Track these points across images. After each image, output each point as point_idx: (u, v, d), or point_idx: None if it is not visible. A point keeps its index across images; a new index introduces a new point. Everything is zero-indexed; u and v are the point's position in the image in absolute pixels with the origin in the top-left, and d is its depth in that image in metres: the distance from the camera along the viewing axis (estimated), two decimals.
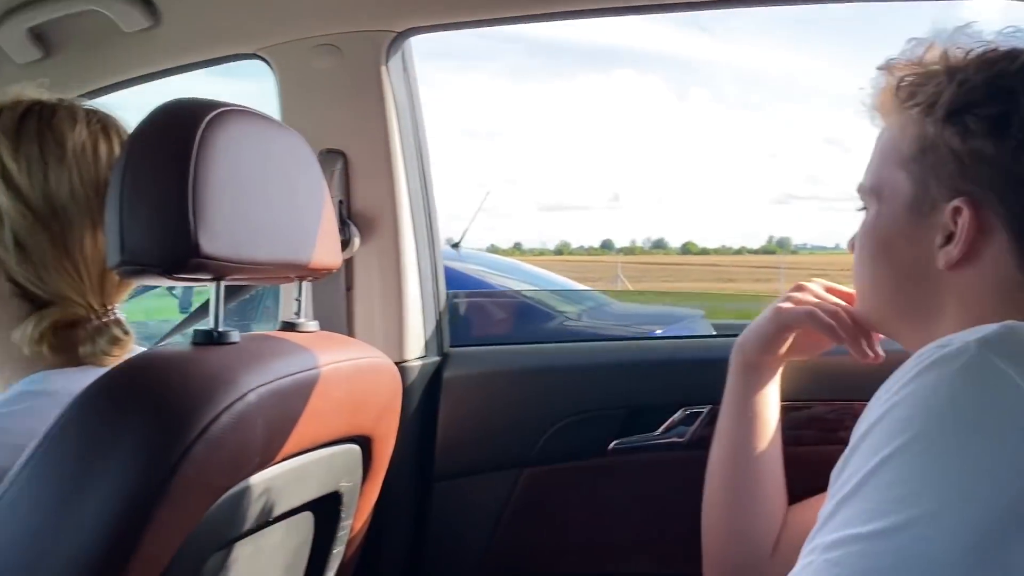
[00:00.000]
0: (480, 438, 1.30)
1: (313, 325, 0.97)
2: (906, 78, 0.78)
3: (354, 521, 1.04)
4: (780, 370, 1.00)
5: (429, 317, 1.33)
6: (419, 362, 1.29)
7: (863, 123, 0.86)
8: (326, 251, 0.91)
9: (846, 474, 0.57)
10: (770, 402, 1.00)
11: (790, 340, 0.96)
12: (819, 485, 0.98)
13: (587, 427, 1.25)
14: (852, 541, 0.52)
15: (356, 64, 1.24)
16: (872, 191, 0.82)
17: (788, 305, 0.95)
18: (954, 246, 0.73)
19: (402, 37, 1.24)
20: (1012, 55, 0.74)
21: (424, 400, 1.29)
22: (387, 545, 1.26)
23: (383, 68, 1.23)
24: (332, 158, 1.24)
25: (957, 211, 0.73)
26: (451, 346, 1.38)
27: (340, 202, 1.24)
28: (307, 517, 0.97)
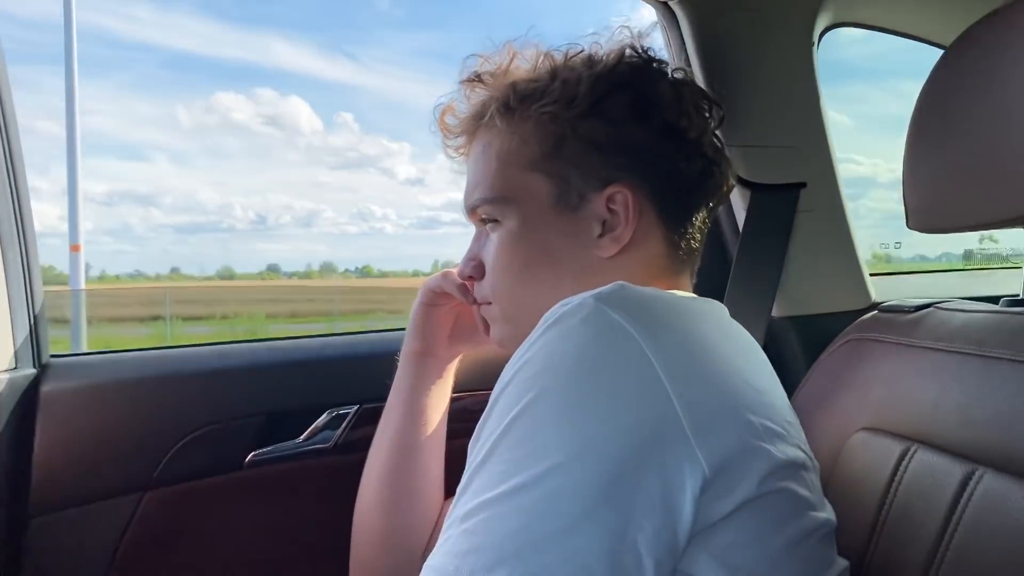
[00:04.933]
0: (90, 462, 1.10)
1: None
2: (520, 84, 0.79)
3: None
4: (453, 363, 0.99)
5: (20, 322, 1.10)
6: (7, 375, 1.06)
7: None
8: None
9: (480, 442, 0.56)
10: (440, 395, 0.98)
11: (448, 321, 0.97)
12: None
13: (220, 439, 1.13)
14: (485, 506, 0.52)
15: None
16: (503, 200, 0.78)
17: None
18: (621, 231, 0.75)
19: None
20: (613, 53, 0.80)
21: (15, 420, 1.06)
22: None
23: None
24: None
25: (612, 198, 0.74)
26: (52, 356, 1.16)
27: None
28: None
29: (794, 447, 0.60)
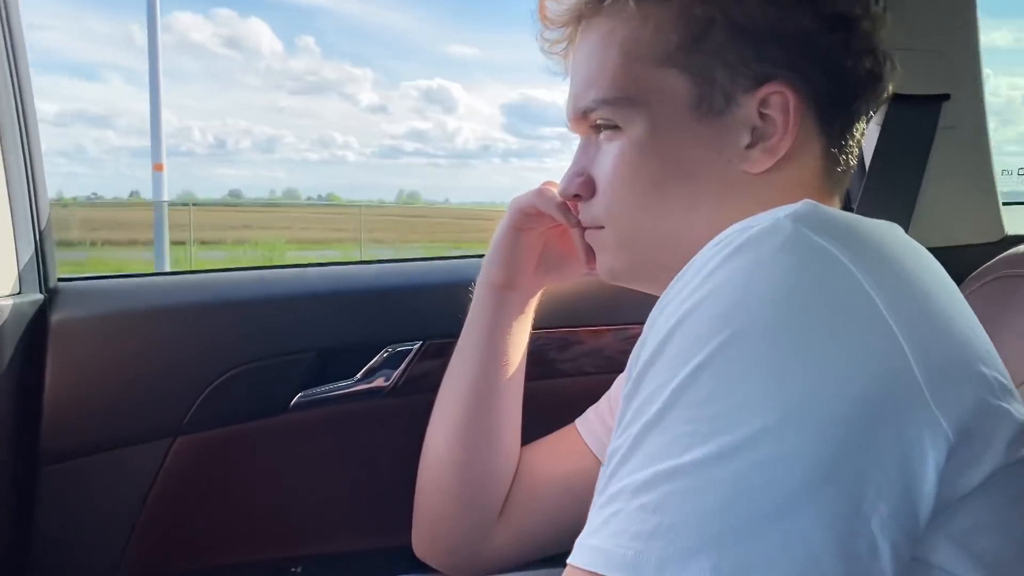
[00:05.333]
0: (109, 402, 0.96)
1: None
2: None
3: None
4: (535, 299, 0.88)
5: (24, 242, 0.94)
6: (10, 300, 0.90)
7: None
8: None
9: (643, 396, 0.46)
10: (521, 334, 0.87)
11: (538, 248, 0.85)
12: (550, 422, 0.87)
13: (262, 379, 0.99)
14: (670, 476, 0.42)
15: None
16: (628, 102, 0.65)
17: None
18: (777, 141, 0.63)
19: None
20: None
21: (22, 353, 0.91)
22: None
23: None
24: None
25: (767, 100, 0.63)
26: (60, 280, 1.00)
27: None
28: None
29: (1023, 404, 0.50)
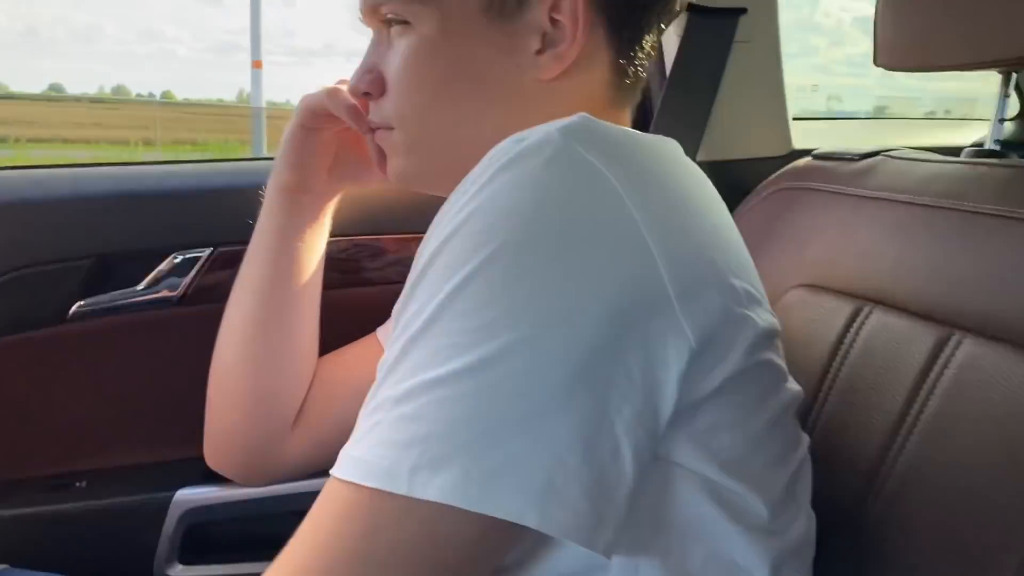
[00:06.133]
0: None
1: None
2: None
3: None
4: (332, 202, 0.85)
5: None
6: None
7: None
8: None
9: (413, 308, 0.46)
10: (316, 239, 0.84)
11: (330, 150, 0.83)
12: (352, 331, 0.85)
13: (36, 286, 0.94)
14: (429, 387, 0.43)
15: None
16: None
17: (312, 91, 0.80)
18: (566, 47, 0.62)
19: None
20: None
21: None
22: None
23: None
24: None
25: (557, 5, 0.61)
26: None
27: None
28: None
29: (768, 312, 0.54)
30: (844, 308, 0.73)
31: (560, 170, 0.47)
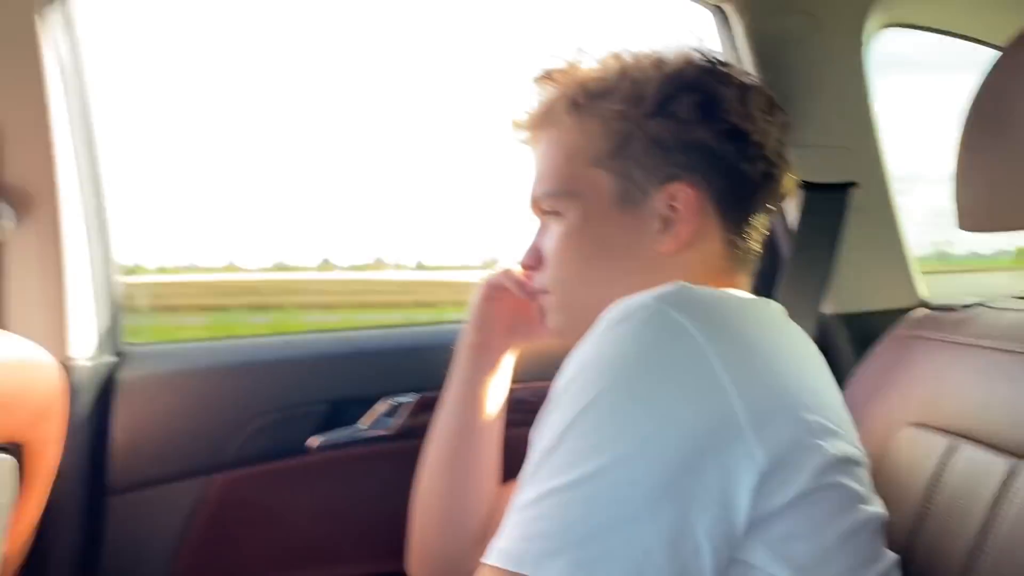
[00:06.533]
0: (164, 444, 1.17)
1: None
2: (589, 82, 0.81)
3: (8, 545, 0.88)
4: (511, 357, 1.00)
5: (102, 311, 1.17)
6: (89, 362, 1.13)
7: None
8: None
9: (545, 433, 0.58)
10: (496, 386, 0.99)
11: (507, 314, 0.98)
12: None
13: (285, 425, 1.18)
14: (553, 493, 0.54)
15: (4, 15, 1.05)
16: (566, 194, 0.81)
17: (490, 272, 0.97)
18: (680, 226, 0.76)
19: None
20: (681, 56, 0.81)
21: (96, 405, 1.13)
22: (53, 571, 1.08)
23: (37, 20, 1.05)
24: None
25: (673, 195, 0.76)
26: (128, 344, 1.22)
27: None
28: None
29: (847, 443, 0.63)
30: (941, 444, 0.81)
31: (652, 328, 0.58)
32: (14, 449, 0.84)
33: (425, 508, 0.99)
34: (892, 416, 0.91)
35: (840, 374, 1.06)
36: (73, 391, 1.05)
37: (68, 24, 1.12)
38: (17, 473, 0.85)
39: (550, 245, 0.83)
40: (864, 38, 1.20)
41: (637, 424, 0.55)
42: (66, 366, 1.06)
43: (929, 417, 0.86)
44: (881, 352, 1.02)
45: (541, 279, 0.86)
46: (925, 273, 1.25)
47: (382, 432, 1.19)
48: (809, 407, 0.60)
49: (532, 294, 0.89)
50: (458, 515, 0.97)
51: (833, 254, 1.19)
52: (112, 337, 1.19)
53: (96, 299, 1.16)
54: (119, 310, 1.21)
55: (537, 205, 0.85)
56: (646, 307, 0.59)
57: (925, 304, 1.21)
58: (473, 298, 1.00)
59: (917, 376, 0.92)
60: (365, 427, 1.19)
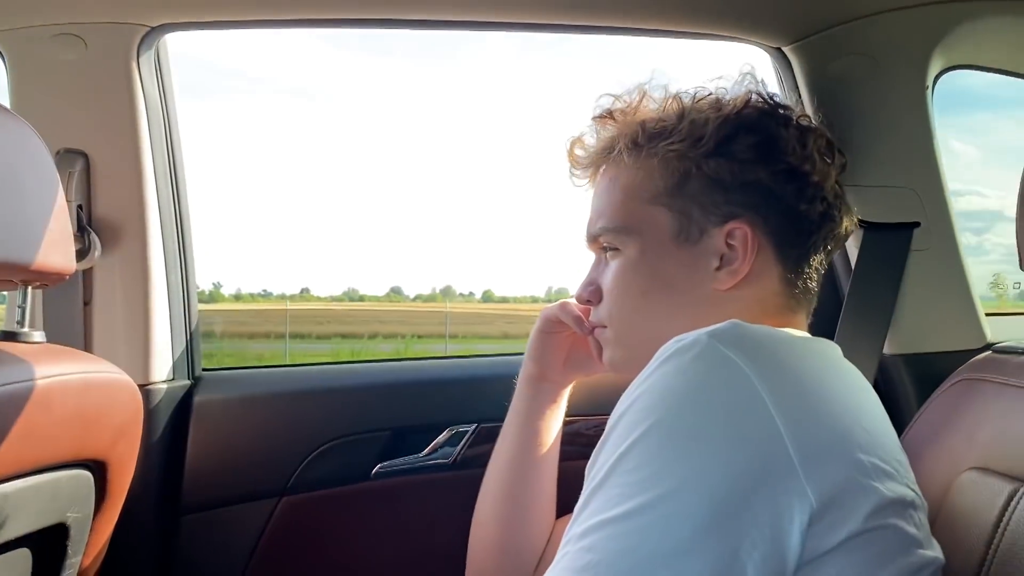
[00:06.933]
0: (234, 466, 1.22)
1: (38, 336, 0.86)
2: (648, 123, 0.83)
3: (84, 558, 0.92)
4: (567, 388, 1.02)
5: (178, 336, 1.23)
6: (166, 385, 1.18)
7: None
8: (55, 255, 0.81)
9: (597, 465, 0.59)
10: (553, 418, 1.01)
11: (564, 348, 1.00)
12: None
13: (350, 451, 1.22)
14: (602, 526, 0.55)
15: (102, 58, 1.13)
16: (625, 230, 0.82)
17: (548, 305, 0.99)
18: (738, 264, 0.77)
19: (156, 33, 1.15)
20: (739, 98, 0.82)
21: (171, 426, 1.19)
22: None
23: (133, 64, 1.13)
24: (71, 158, 1.12)
25: (731, 233, 0.77)
26: (204, 370, 1.28)
27: (79, 207, 1.12)
28: (23, 555, 0.84)
29: (903, 485, 0.62)
30: (1005, 489, 0.79)
31: (704, 364, 0.59)
32: (94, 466, 0.89)
33: (482, 537, 1.01)
34: (954, 459, 0.89)
35: (902, 415, 1.07)
36: (150, 413, 1.10)
37: (160, 66, 1.19)
38: (94, 490, 0.90)
39: (608, 280, 0.85)
40: (928, 81, 1.20)
41: (686, 459, 0.56)
42: (145, 389, 1.11)
43: (992, 461, 0.84)
44: (944, 394, 1.00)
45: (598, 313, 0.87)
46: (990, 315, 1.23)
47: (442, 460, 1.21)
48: (863, 447, 0.60)
49: (589, 328, 0.90)
50: (515, 544, 0.99)
51: (895, 294, 1.19)
52: (188, 362, 1.25)
53: (174, 325, 1.22)
54: (196, 336, 1.27)
55: (595, 241, 0.86)
56: (699, 343, 0.60)
57: (990, 346, 1.19)
58: (532, 332, 1.01)
59: (980, 419, 0.90)
60: (425, 455, 1.22)
